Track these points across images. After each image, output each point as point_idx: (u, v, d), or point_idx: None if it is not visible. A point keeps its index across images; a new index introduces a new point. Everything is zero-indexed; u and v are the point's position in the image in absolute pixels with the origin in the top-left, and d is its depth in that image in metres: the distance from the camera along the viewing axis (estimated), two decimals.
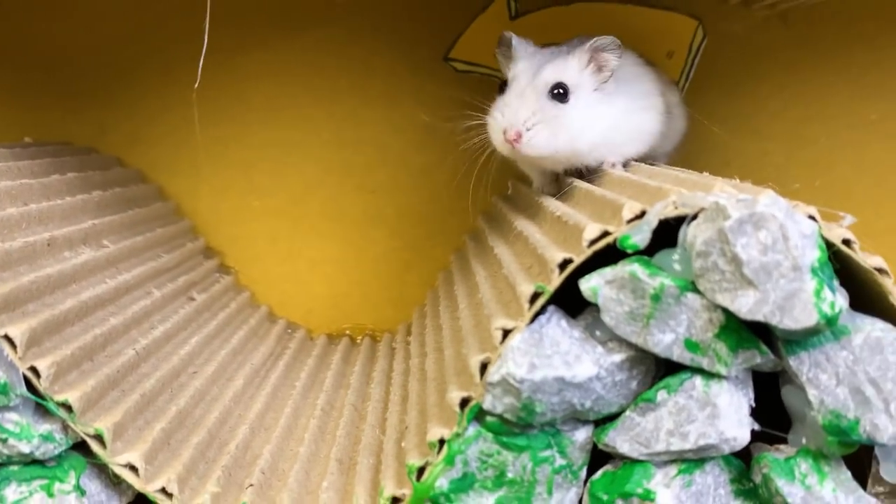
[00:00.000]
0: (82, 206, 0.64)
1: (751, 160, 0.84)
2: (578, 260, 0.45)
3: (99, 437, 0.46)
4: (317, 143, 0.84)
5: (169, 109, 0.83)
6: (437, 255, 0.85)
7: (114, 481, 0.48)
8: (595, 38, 0.57)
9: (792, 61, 0.83)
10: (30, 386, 0.46)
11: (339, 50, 0.83)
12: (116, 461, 0.46)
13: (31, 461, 0.46)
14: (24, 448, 0.45)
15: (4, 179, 0.58)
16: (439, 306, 0.70)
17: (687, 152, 0.81)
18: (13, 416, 0.45)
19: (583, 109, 0.57)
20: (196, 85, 0.57)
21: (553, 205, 0.57)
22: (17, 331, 0.45)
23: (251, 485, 0.50)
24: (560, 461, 0.48)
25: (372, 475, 0.53)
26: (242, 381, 0.64)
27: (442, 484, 0.47)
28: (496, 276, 0.56)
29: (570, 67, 0.57)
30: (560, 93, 0.56)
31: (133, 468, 0.47)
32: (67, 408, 0.46)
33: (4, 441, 0.45)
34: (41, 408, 0.47)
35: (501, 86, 0.59)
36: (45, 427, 0.46)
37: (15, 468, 0.46)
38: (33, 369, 0.46)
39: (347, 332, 0.86)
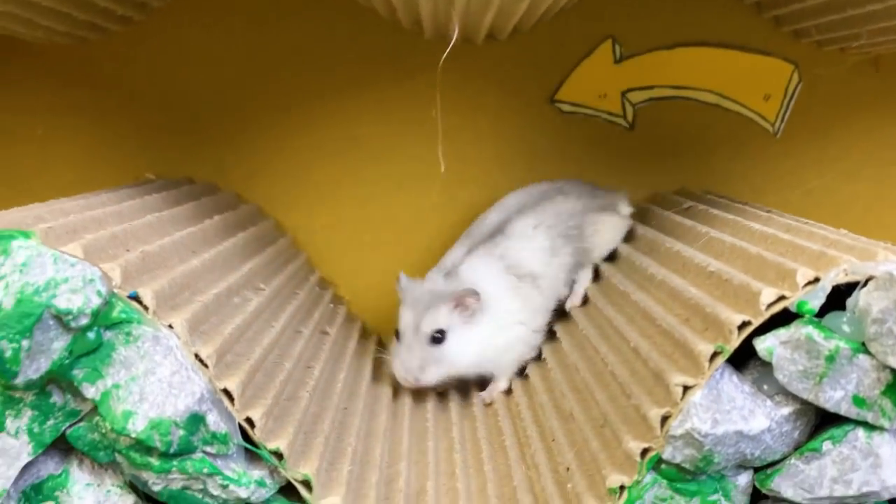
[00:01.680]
0: (234, 249, 0.68)
1: (841, 202, 0.87)
2: (756, 323, 0.49)
3: (306, 483, 0.50)
4: (426, 178, 0.87)
5: (285, 147, 0.87)
6: None
7: None
8: (458, 292, 0.71)
9: (882, 105, 0.87)
10: (243, 435, 0.50)
11: (448, 91, 0.86)
12: None
13: None
14: (242, 493, 0.49)
15: (175, 229, 0.62)
16: (561, 343, 0.74)
17: (782, 194, 0.85)
18: (231, 463, 0.49)
19: (456, 345, 0.71)
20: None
21: (698, 257, 0.60)
22: (233, 384, 0.49)
23: None
24: None
25: None
26: (385, 416, 0.67)
27: None
28: (645, 325, 0.60)
29: (441, 314, 0.71)
30: (438, 337, 0.71)
31: None
32: (279, 455, 0.50)
33: (225, 487, 0.48)
34: (250, 455, 0.51)
35: (396, 332, 0.73)
36: (257, 473, 0.50)
37: None
38: (248, 420, 0.49)
39: None
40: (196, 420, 0.47)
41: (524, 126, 0.87)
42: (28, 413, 0.48)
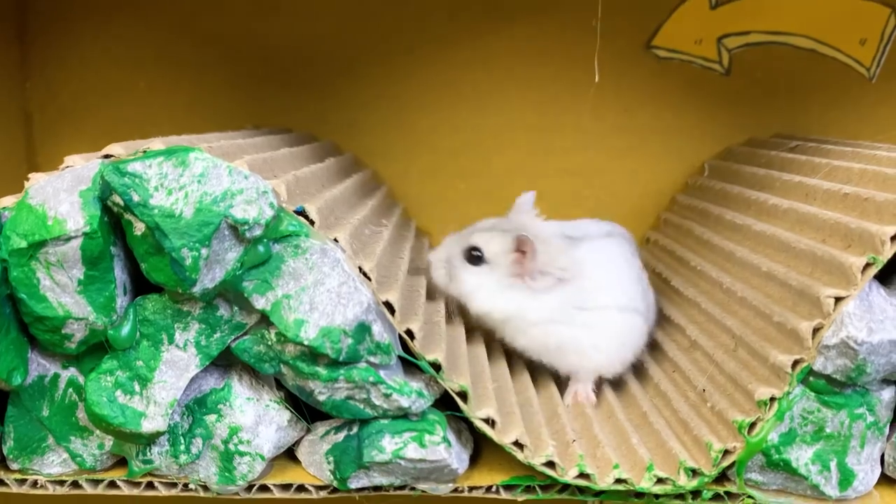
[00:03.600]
0: (353, 187, 0.69)
1: None
2: None
3: (463, 394, 0.51)
4: (521, 128, 0.88)
5: (383, 97, 0.88)
6: (636, 234, 0.89)
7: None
8: (526, 237, 0.60)
9: None
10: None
11: (544, 40, 0.87)
12: (478, 415, 0.51)
13: (400, 415, 0.51)
14: (404, 403, 0.50)
15: (305, 163, 0.63)
16: (671, 281, 0.74)
17: (877, 140, 0.85)
18: (392, 374, 0.50)
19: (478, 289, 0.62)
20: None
21: (825, 185, 0.61)
22: (393, 297, 0.50)
23: (574, 440, 0.55)
24: (870, 418, 0.52)
25: (677, 432, 0.57)
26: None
27: (772, 438, 0.51)
28: (774, 252, 0.60)
29: (495, 243, 0.62)
30: (476, 256, 0.62)
31: (490, 422, 0.51)
32: (436, 367, 0.51)
33: (388, 396, 0.50)
34: (406, 368, 0.52)
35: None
36: (415, 384, 0.51)
37: (386, 422, 0.51)
38: (408, 332, 0.51)
39: None
40: (363, 329, 0.48)
41: (620, 73, 0.87)
42: (195, 326, 0.50)
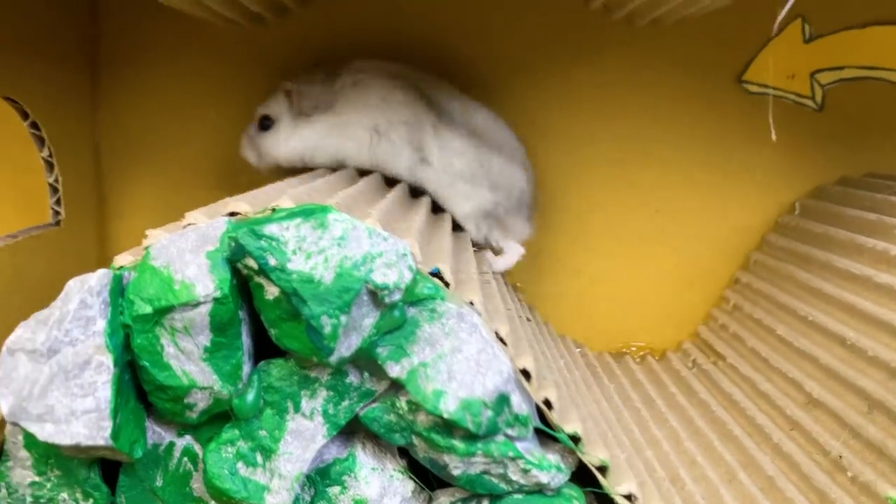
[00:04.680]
0: (447, 231, 0.66)
1: None
2: None
3: (602, 468, 0.48)
4: (602, 161, 0.85)
5: None
6: (720, 273, 0.87)
7: None
8: (290, 84, 0.73)
9: None
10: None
11: (630, 70, 0.84)
12: (619, 491, 0.48)
13: (534, 490, 0.48)
14: (543, 478, 0.47)
15: (400, 210, 0.60)
16: (776, 330, 0.71)
17: None
18: (529, 447, 0.47)
19: (275, 133, 0.74)
20: None
21: None
22: (529, 363, 0.47)
23: None
24: None
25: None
26: (615, 400, 0.66)
27: None
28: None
29: (276, 104, 0.74)
30: (266, 124, 0.74)
31: (631, 497, 0.48)
32: (575, 439, 0.48)
33: (527, 472, 0.46)
34: (541, 439, 0.49)
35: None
36: (552, 457, 0.48)
37: (520, 497, 0.48)
38: (546, 402, 0.47)
39: (624, 349, 0.88)
40: (502, 400, 0.45)
41: (709, 107, 0.84)
42: (323, 393, 0.47)
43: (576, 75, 0.84)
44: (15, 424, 0.43)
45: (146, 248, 0.45)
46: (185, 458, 0.48)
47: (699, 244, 0.86)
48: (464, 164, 0.72)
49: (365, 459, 0.49)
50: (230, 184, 0.85)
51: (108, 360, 0.43)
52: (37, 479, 0.47)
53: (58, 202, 0.79)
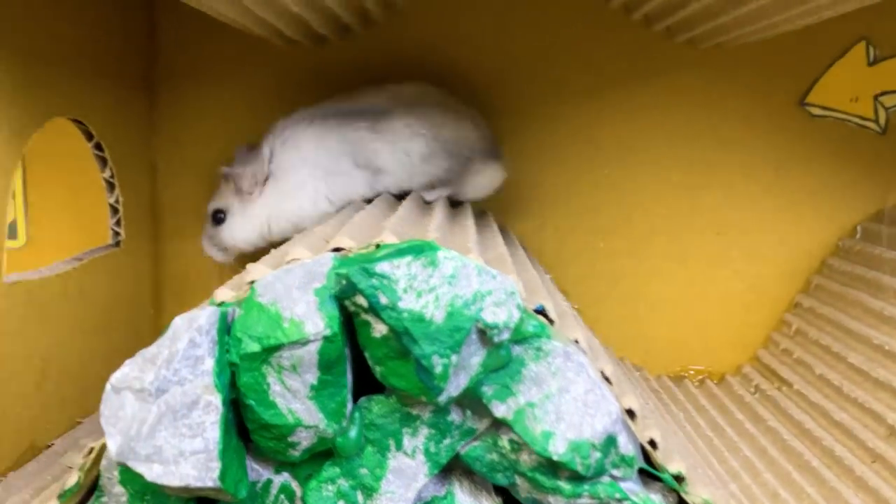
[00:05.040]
0: (524, 258, 0.66)
1: None
2: None
3: None
4: (666, 185, 0.85)
5: (521, 152, 0.85)
6: (779, 296, 0.86)
7: None
8: (224, 168, 0.72)
9: None
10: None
11: (694, 94, 0.83)
12: None
13: None
14: None
15: (482, 236, 0.59)
16: (848, 358, 0.70)
17: None
18: (633, 487, 0.46)
19: (231, 224, 0.74)
20: None
21: None
22: (634, 403, 0.47)
23: None
24: None
25: None
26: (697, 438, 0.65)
27: None
28: None
29: (223, 193, 0.74)
30: (220, 217, 0.74)
31: None
32: (679, 479, 0.47)
33: None
34: (642, 479, 0.48)
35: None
36: (654, 497, 0.47)
37: None
38: (651, 442, 0.47)
39: (682, 373, 0.87)
40: (610, 442, 0.45)
41: (772, 130, 0.83)
42: (424, 431, 0.46)
43: (640, 98, 0.84)
44: (122, 464, 0.42)
45: (250, 283, 0.45)
46: (283, 496, 0.47)
47: (759, 267, 0.85)
48: (416, 148, 0.71)
49: (463, 497, 0.48)
50: None
51: (216, 399, 0.42)
52: None
53: (118, 223, 0.79)
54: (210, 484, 0.42)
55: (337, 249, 0.46)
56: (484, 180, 0.76)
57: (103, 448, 0.46)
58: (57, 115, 0.67)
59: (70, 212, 0.85)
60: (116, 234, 0.79)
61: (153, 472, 0.42)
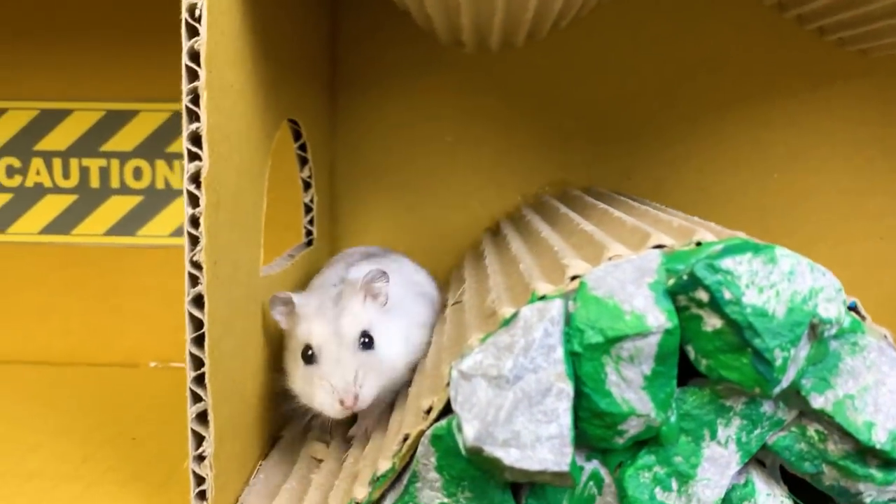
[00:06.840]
0: None
1: None
2: None
3: None
4: (833, 190, 0.87)
5: (691, 155, 0.87)
6: None
7: None
8: (366, 274, 0.59)
9: None
10: None
11: (862, 101, 0.86)
12: None
13: None
14: None
15: None
16: None
17: None
18: None
19: (387, 343, 0.58)
20: None
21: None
22: None
23: None
24: None
25: None
26: None
27: None
28: None
29: (359, 312, 0.58)
30: (367, 341, 0.58)
31: None
32: None
33: None
34: None
35: (305, 351, 0.58)
36: None
37: None
38: None
39: None
40: None
41: None
42: (737, 422, 0.48)
43: (808, 105, 0.86)
44: (478, 450, 0.44)
45: (572, 278, 0.47)
46: (591, 483, 0.49)
47: None
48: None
49: (761, 486, 0.50)
50: (462, 206, 0.86)
51: (568, 387, 0.44)
52: (446, 500, 0.49)
53: (311, 221, 0.81)
54: (565, 468, 0.44)
55: (658, 247, 0.48)
56: None
57: (420, 434, 0.48)
58: (287, 116, 0.69)
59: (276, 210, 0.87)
60: (309, 232, 0.81)
61: (511, 457, 0.44)
